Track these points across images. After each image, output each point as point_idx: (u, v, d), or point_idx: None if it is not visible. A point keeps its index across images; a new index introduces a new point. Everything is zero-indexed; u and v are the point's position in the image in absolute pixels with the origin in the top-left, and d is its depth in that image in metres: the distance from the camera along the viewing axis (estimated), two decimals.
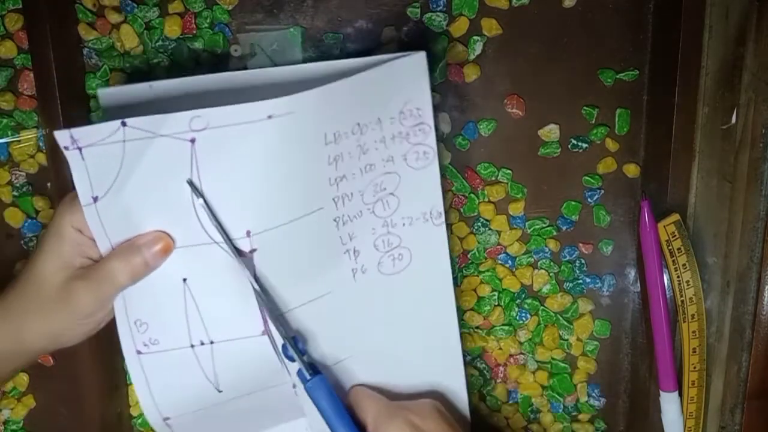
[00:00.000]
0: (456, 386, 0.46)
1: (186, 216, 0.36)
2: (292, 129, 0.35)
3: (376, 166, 0.40)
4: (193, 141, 0.34)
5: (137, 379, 0.39)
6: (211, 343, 0.38)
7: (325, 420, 0.38)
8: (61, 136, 0.33)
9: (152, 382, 0.39)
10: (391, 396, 0.43)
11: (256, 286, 0.37)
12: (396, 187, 0.41)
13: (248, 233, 0.37)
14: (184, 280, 0.37)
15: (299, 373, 0.39)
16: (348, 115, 0.38)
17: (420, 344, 0.45)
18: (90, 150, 0.34)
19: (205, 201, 0.35)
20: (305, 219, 0.38)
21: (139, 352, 0.38)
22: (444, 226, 0.43)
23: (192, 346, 0.38)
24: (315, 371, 0.39)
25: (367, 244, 0.42)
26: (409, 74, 0.39)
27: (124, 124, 0.33)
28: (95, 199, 0.35)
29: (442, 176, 0.49)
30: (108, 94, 0.40)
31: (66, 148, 0.34)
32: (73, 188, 0.35)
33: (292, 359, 0.39)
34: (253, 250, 0.37)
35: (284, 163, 0.36)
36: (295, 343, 0.38)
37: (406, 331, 0.44)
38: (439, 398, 0.45)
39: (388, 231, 0.42)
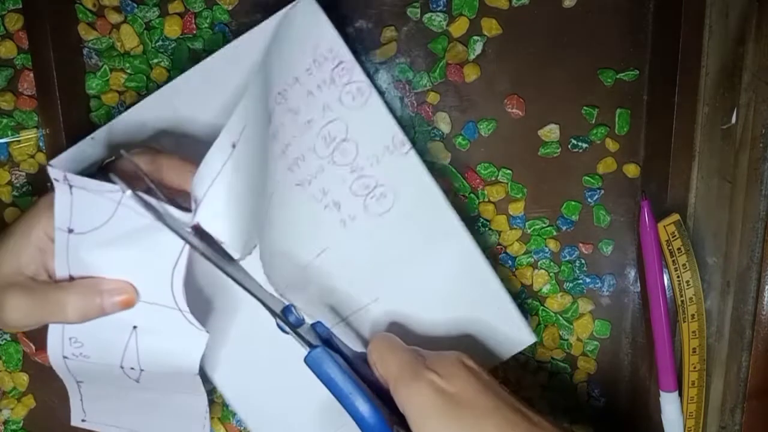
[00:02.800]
0: (498, 308, 0.43)
1: (161, 277, 0.34)
2: (251, 137, 0.35)
3: (315, 120, 0.40)
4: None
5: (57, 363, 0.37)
6: (141, 371, 0.36)
7: (333, 394, 0.35)
8: (55, 173, 0.32)
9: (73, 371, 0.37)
10: (420, 339, 0.41)
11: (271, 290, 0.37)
12: (346, 133, 0.40)
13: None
14: (134, 327, 0.36)
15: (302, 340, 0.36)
16: (269, 88, 0.37)
17: (442, 275, 0.43)
18: (80, 192, 0.32)
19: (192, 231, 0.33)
20: (273, 201, 0.38)
21: (65, 358, 0.36)
22: (413, 152, 0.41)
23: (122, 367, 0.36)
24: (310, 345, 0.35)
25: (344, 193, 0.41)
26: (305, 21, 0.38)
27: (128, 192, 0.31)
28: (70, 231, 0.33)
29: (442, 176, 0.50)
30: (58, 164, 0.35)
31: (56, 180, 0.32)
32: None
33: (286, 332, 0.36)
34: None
35: (252, 171, 0.35)
36: (286, 315, 0.36)
37: (422, 265, 0.43)
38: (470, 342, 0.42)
39: (359, 175, 0.41)
